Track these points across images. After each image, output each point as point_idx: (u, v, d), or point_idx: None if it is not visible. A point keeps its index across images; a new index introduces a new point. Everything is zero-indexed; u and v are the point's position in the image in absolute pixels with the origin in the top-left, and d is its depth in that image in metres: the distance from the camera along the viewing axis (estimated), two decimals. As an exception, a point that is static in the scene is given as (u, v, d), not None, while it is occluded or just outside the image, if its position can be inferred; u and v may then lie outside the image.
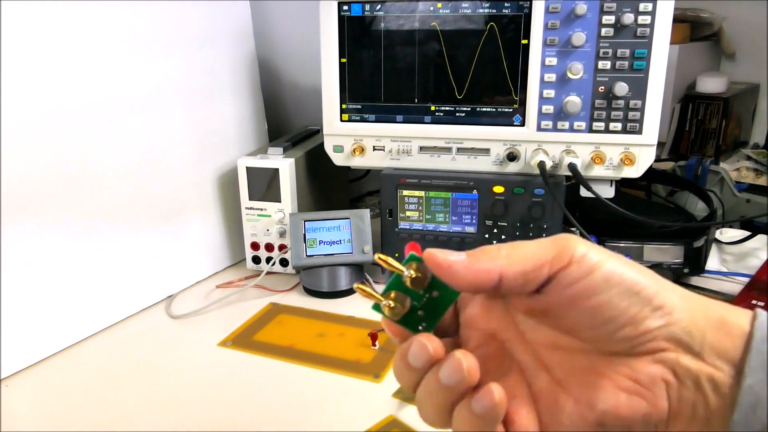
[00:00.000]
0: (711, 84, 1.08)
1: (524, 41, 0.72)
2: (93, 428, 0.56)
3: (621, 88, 0.70)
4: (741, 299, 0.72)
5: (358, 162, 0.81)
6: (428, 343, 0.28)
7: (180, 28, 0.78)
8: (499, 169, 0.77)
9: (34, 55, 0.61)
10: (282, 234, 0.83)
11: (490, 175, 0.77)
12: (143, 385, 0.62)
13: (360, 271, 0.82)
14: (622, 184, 0.81)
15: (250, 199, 0.83)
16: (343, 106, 0.80)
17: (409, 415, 0.56)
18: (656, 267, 0.77)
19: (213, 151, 0.85)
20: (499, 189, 0.75)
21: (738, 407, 0.24)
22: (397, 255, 0.80)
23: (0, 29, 0.58)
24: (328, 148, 0.82)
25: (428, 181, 0.77)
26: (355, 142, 0.80)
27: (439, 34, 0.75)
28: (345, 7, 0.77)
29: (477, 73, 0.75)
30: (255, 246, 0.85)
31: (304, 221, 0.80)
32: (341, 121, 0.81)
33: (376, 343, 0.67)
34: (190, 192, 0.82)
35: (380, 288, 0.31)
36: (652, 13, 0.68)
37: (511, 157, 0.76)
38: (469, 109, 0.77)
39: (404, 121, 0.79)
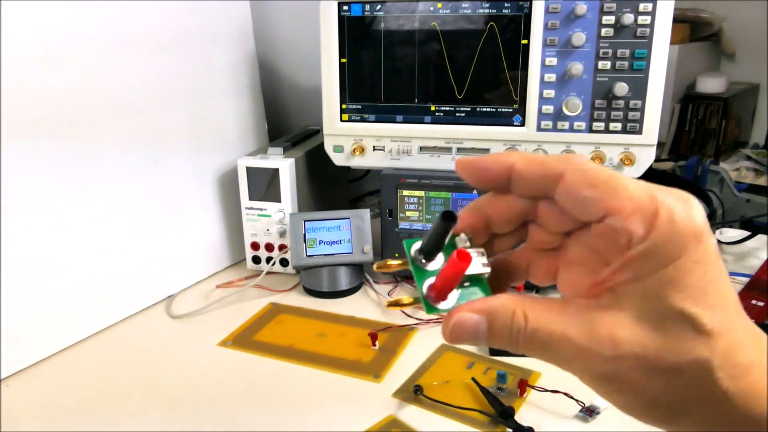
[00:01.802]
0: (711, 84, 1.08)
1: (524, 41, 0.72)
2: (93, 428, 0.56)
3: (621, 88, 0.70)
4: (741, 299, 0.72)
5: (358, 162, 0.81)
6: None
7: (180, 27, 0.77)
8: (499, 169, 0.77)
9: (34, 54, 0.61)
10: (282, 234, 0.83)
11: (490, 175, 0.76)
12: (143, 385, 0.62)
13: (360, 271, 0.82)
14: (622, 184, 0.81)
15: (250, 199, 0.83)
16: (343, 106, 0.80)
17: (409, 415, 0.56)
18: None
19: (213, 151, 0.85)
20: (499, 189, 0.75)
21: None
22: (397, 255, 0.80)
23: (0, 28, 0.58)
24: (328, 148, 0.82)
25: (428, 181, 0.77)
26: (355, 142, 0.80)
27: (439, 34, 0.75)
28: (345, 7, 0.77)
29: (477, 73, 0.75)
30: (255, 246, 0.85)
31: (304, 221, 0.80)
32: (341, 121, 0.81)
33: (376, 343, 0.67)
34: (190, 192, 0.82)
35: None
36: (652, 13, 0.68)
37: (511, 157, 0.76)
38: (469, 109, 0.77)
39: (404, 121, 0.79)
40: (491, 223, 0.28)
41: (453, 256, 0.25)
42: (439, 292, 0.27)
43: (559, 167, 0.25)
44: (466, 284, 0.27)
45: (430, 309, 0.27)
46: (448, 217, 0.26)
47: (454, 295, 0.27)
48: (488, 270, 0.27)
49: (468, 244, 0.28)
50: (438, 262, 0.28)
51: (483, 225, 0.28)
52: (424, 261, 0.28)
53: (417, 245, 0.28)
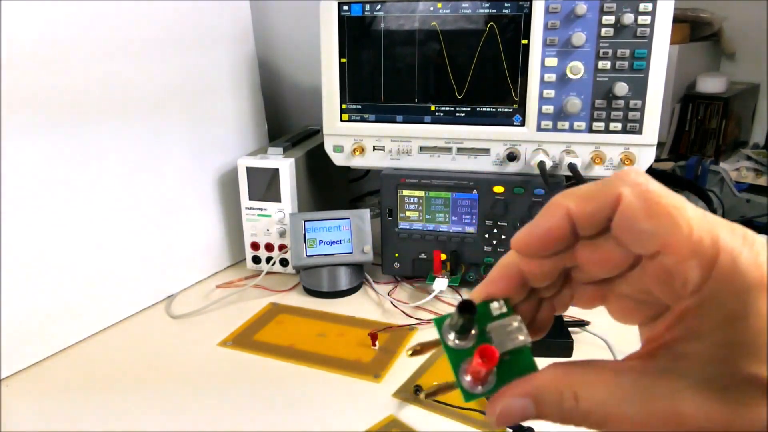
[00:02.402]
0: (711, 84, 1.08)
1: (524, 41, 0.72)
2: (93, 428, 0.56)
3: (621, 88, 0.70)
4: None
5: (358, 162, 0.81)
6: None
7: (180, 28, 0.78)
8: (499, 169, 0.77)
9: (33, 54, 0.61)
10: (282, 234, 0.83)
11: (490, 175, 0.77)
12: (143, 385, 0.62)
13: (360, 271, 0.82)
14: (622, 184, 0.81)
15: (250, 199, 0.83)
16: (343, 106, 0.80)
17: (409, 415, 0.56)
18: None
19: (213, 151, 0.85)
20: (499, 189, 0.75)
21: None
22: (397, 255, 0.80)
23: (0, 28, 0.58)
24: (328, 148, 0.82)
25: (428, 181, 0.77)
26: (355, 142, 0.80)
27: (439, 34, 0.75)
28: (345, 7, 0.77)
29: (477, 73, 0.75)
30: (255, 246, 0.85)
31: (304, 221, 0.80)
32: (341, 121, 0.81)
33: (376, 343, 0.67)
34: (190, 192, 0.82)
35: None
36: (652, 13, 0.68)
37: (511, 157, 0.76)
38: (469, 109, 0.77)
39: (404, 121, 0.79)
40: (527, 281, 0.25)
41: (476, 357, 0.23)
42: (476, 379, 0.24)
43: (614, 190, 0.22)
44: (506, 357, 0.24)
45: (469, 397, 0.24)
46: (466, 309, 0.24)
47: (492, 376, 0.24)
48: (528, 341, 0.24)
49: (504, 309, 0.25)
50: (473, 337, 0.25)
51: (518, 285, 0.25)
52: (457, 341, 0.25)
53: (449, 321, 0.25)
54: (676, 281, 0.21)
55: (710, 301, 0.20)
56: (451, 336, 0.25)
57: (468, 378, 0.24)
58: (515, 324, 0.25)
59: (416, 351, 0.27)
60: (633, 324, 0.25)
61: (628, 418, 0.21)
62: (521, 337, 0.24)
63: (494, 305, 0.25)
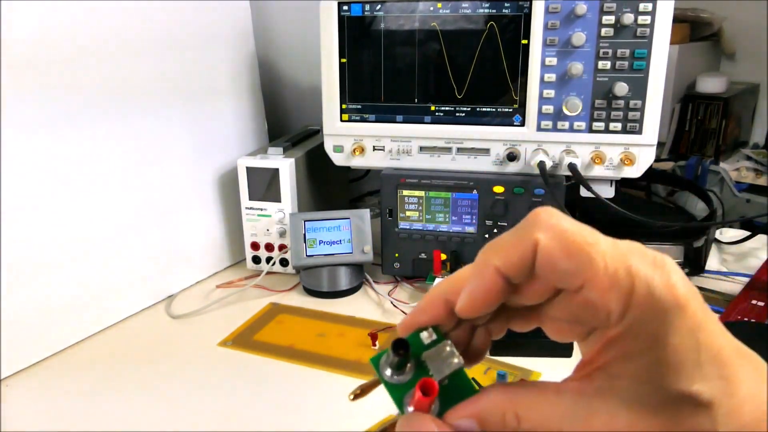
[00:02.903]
0: (711, 84, 1.08)
1: (524, 41, 0.72)
2: (93, 428, 0.56)
3: (621, 88, 0.70)
4: (741, 299, 0.72)
5: (358, 162, 0.81)
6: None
7: (180, 28, 0.78)
8: (499, 169, 0.77)
9: (34, 55, 0.61)
10: (282, 234, 0.83)
11: (490, 175, 0.77)
12: (143, 385, 0.62)
13: (360, 271, 0.82)
14: (622, 184, 0.81)
15: (250, 199, 0.83)
16: (343, 106, 0.80)
17: (409, 415, 0.56)
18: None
19: (213, 151, 0.85)
20: (499, 189, 0.75)
21: None
22: (397, 255, 0.80)
23: (0, 28, 0.58)
24: (328, 148, 0.82)
25: (428, 181, 0.77)
26: (355, 142, 0.80)
27: (439, 34, 0.75)
28: (345, 7, 0.77)
29: (477, 73, 0.75)
30: (255, 246, 0.85)
31: (304, 221, 0.80)
32: (341, 121, 0.81)
33: (376, 343, 0.67)
34: (190, 192, 0.82)
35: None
36: (652, 13, 0.68)
37: (511, 157, 0.76)
38: (469, 109, 0.77)
39: (404, 121, 0.79)
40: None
41: (417, 392, 0.24)
42: (420, 410, 0.25)
43: (531, 237, 0.23)
44: (445, 382, 0.25)
45: None
46: (400, 347, 0.25)
47: (435, 405, 0.25)
48: (462, 363, 0.25)
49: (434, 336, 0.26)
50: (408, 374, 0.26)
51: (446, 314, 0.26)
52: (396, 377, 0.26)
53: (385, 358, 0.26)
54: (600, 312, 0.22)
55: (635, 327, 0.22)
56: (389, 372, 0.26)
57: (411, 409, 0.25)
58: (448, 349, 0.26)
59: (357, 395, 0.28)
60: (570, 341, 0.26)
61: None
62: (455, 360, 0.25)
63: (424, 335, 0.26)
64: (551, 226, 0.23)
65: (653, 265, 0.22)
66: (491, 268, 0.24)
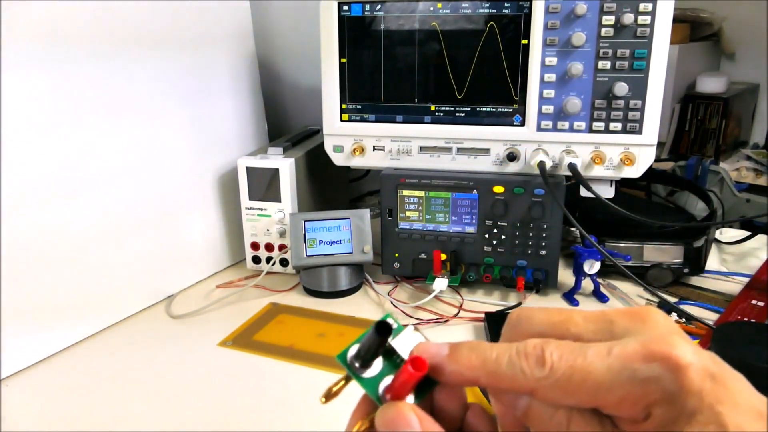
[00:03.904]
0: (711, 84, 1.08)
1: (524, 41, 0.72)
2: (93, 428, 0.56)
3: (621, 88, 0.70)
4: (741, 299, 0.72)
5: (358, 162, 0.81)
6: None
7: (180, 28, 0.78)
8: (499, 169, 0.77)
9: (34, 55, 0.61)
10: (282, 234, 0.83)
11: (490, 175, 0.77)
12: (143, 385, 0.62)
13: (360, 271, 0.82)
14: (622, 184, 0.81)
15: (250, 199, 0.83)
16: (343, 106, 0.80)
17: (409, 415, 0.56)
18: (656, 267, 0.77)
19: (213, 151, 0.85)
20: (499, 189, 0.75)
21: None
22: (397, 255, 0.80)
23: (0, 28, 0.58)
24: (328, 148, 0.82)
25: (428, 181, 0.77)
26: (355, 142, 0.80)
27: (439, 34, 0.75)
28: (345, 7, 0.77)
29: (477, 73, 0.75)
30: (255, 246, 0.85)
31: (304, 221, 0.80)
32: (341, 121, 0.81)
33: (376, 343, 0.67)
34: (190, 192, 0.82)
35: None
36: (652, 13, 0.68)
37: (511, 157, 0.76)
38: (469, 109, 0.77)
39: (404, 121, 0.79)
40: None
41: (405, 368, 0.25)
42: (397, 397, 0.26)
43: (528, 384, 0.23)
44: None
45: None
46: (383, 330, 0.25)
47: (410, 395, 0.26)
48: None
49: (395, 325, 0.26)
50: (377, 366, 0.27)
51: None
52: (361, 368, 0.27)
53: (353, 351, 0.27)
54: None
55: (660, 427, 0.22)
56: (358, 365, 0.27)
57: (389, 397, 0.26)
58: (413, 332, 0.27)
59: (329, 396, 0.28)
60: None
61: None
62: (423, 340, 0.26)
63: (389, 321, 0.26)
64: (544, 378, 0.23)
65: (651, 361, 0.22)
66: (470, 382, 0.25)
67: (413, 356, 0.25)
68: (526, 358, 0.23)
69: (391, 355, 0.26)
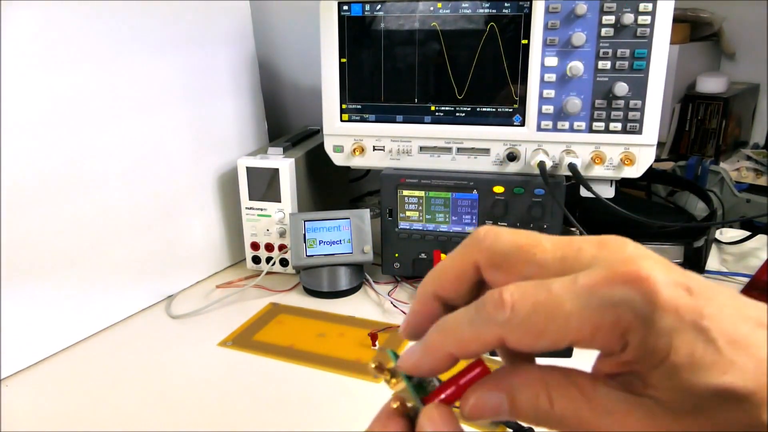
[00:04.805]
0: (711, 84, 1.08)
1: (524, 41, 0.72)
2: (93, 428, 0.56)
3: (621, 88, 0.70)
4: (741, 299, 0.72)
5: (358, 162, 0.81)
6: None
7: (180, 28, 0.78)
8: (499, 169, 0.77)
9: (33, 55, 0.61)
10: (282, 234, 0.83)
11: (490, 175, 0.77)
12: (143, 385, 0.62)
13: (360, 271, 0.82)
14: (622, 184, 0.81)
15: (250, 199, 0.83)
16: (343, 106, 0.80)
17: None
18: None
19: (213, 151, 0.85)
20: (499, 189, 0.75)
21: None
22: (397, 255, 0.80)
23: (0, 28, 0.58)
24: (328, 148, 0.82)
25: (428, 181, 0.77)
26: (355, 142, 0.80)
27: (439, 34, 0.75)
28: (345, 7, 0.77)
29: (477, 73, 0.75)
30: (255, 246, 0.85)
31: (304, 221, 0.80)
32: (341, 121, 0.81)
33: (376, 343, 0.67)
34: (190, 192, 0.82)
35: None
36: (652, 13, 0.68)
37: (511, 157, 0.76)
38: (469, 109, 0.77)
39: (404, 121, 0.79)
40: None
41: (474, 369, 0.24)
42: (452, 401, 0.25)
43: (493, 333, 0.22)
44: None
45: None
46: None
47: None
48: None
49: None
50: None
51: (440, 310, 0.27)
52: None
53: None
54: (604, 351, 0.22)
55: (639, 351, 0.20)
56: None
57: (442, 398, 0.25)
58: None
59: (381, 369, 0.27)
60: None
61: (602, 427, 0.21)
62: None
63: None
64: (508, 319, 0.21)
65: (614, 278, 0.20)
66: (428, 295, 0.26)
67: (475, 362, 0.24)
68: (484, 307, 0.22)
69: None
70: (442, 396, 0.24)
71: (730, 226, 0.94)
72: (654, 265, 0.20)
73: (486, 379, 0.24)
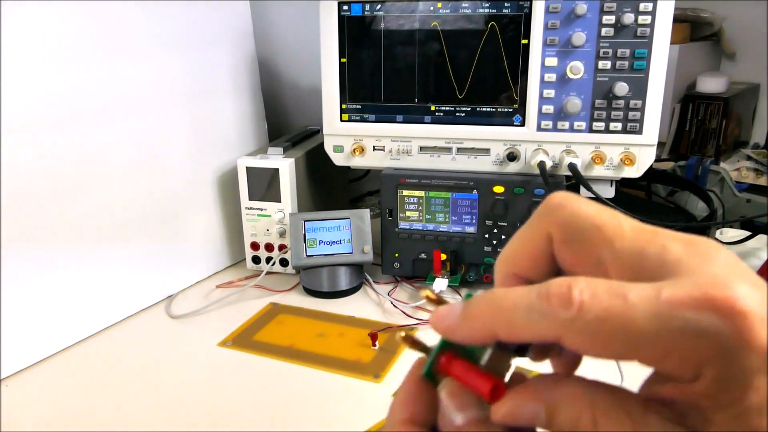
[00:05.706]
0: (711, 84, 1.08)
1: (524, 41, 0.72)
2: (93, 428, 0.56)
3: (621, 88, 0.70)
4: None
5: (358, 162, 0.81)
6: None
7: (180, 28, 0.77)
8: (499, 169, 0.77)
9: (33, 55, 0.61)
10: (282, 234, 0.83)
11: (490, 175, 0.77)
12: (143, 385, 0.62)
13: (360, 271, 0.82)
14: (622, 184, 0.81)
15: (250, 199, 0.83)
16: (343, 106, 0.80)
17: (409, 415, 0.56)
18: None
19: (213, 151, 0.85)
20: (499, 189, 0.75)
21: None
22: (397, 255, 0.80)
23: (0, 29, 0.58)
24: (328, 148, 0.82)
25: (428, 181, 0.77)
26: (355, 142, 0.80)
27: (439, 34, 0.75)
28: (345, 7, 0.77)
29: (477, 73, 0.75)
30: (255, 246, 0.85)
31: (304, 221, 0.80)
32: (341, 121, 0.81)
33: (376, 343, 0.67)
34: (190, 192, 0.82)
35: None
36: (652, 13, 0.68)
37: (511, 157, 0.76)
38: (469, 109, 0.77)
39: (404, 121, 0.79)
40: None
41: (490, 389, 0.22)
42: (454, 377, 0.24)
43: (551, 329, 0.19)
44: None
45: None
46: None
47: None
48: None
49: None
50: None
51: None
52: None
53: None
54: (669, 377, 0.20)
55: (715, 385, 0.18)
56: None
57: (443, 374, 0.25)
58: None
59: (412, 343, 0.26)
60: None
61: None
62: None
63: None
64: (569, 320, 0.19)
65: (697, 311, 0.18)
66: (509, 276, 0.24)
67: (494, 387, 0.22)
68: (548, 299, 0.19)
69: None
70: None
71: (731, 226, 0.94)
72: (752, 295, 0.18)
73: (526, 387, 0.22)
